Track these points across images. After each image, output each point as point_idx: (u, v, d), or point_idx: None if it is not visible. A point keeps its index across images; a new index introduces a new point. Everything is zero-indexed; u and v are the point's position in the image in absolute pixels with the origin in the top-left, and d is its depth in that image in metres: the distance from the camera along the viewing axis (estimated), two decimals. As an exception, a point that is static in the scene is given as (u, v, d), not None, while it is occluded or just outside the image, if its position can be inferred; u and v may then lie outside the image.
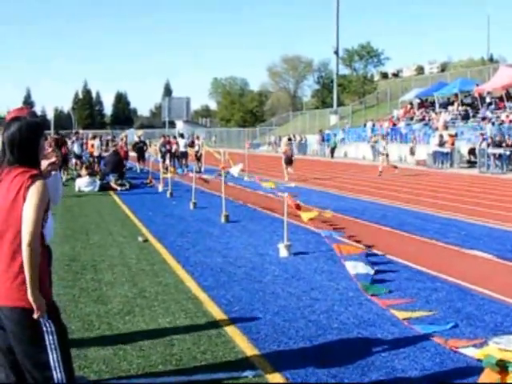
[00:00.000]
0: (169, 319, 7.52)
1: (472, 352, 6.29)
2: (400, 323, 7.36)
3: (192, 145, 37.30)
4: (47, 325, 4.14)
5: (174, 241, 13.04)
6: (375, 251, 11.76)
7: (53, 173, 4.82)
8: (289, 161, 30.19)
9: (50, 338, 4.15)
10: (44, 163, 4.68)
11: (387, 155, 32.28)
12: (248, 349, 6.52)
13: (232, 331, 7.08)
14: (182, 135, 38.29)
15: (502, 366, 5.21)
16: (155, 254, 11.60)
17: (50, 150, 4.77)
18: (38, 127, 4.36)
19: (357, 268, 9.50)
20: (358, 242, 12.62)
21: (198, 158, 35.38)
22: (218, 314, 7.77)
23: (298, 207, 11.95)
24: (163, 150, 34.24)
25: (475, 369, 5.79)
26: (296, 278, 9.72)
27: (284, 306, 8.12)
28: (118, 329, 7.17)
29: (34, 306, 4.05)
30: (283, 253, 11.45)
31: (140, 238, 13.13)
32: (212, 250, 11.99)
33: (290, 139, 38.20)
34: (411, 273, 10.09)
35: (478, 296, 8.65)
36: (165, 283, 9.34)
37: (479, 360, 6.00)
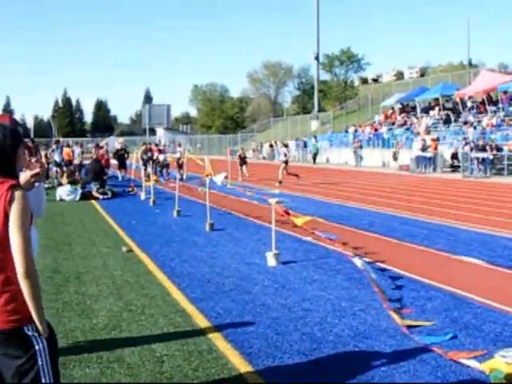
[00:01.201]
0: (157, 333, 7.23)
1: (474, 364, 6.06)
2: (397, 335, 7.12)
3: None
4: (38, 341, 3.85)
5: (159, 250, 12.73)
6: (365, 259, 11.51)
7: (36, 184, 4.49)
8: (242, 162, 35.83)
9: (42, 355, 3.85)
10: (27, 174, 4.36)
11: (287, 162, 32.04)
12: (241, 365, 6.24)
13: (223, 346, 6.79)
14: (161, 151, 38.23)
15: (510, 381, 4.99)
16: (140, 265, 11.28)
17: (33, 159, 4.46)
18: (19, 135, 4.06)
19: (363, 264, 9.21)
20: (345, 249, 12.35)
21: (180, 166, 35.06)
22: (207, 327, 7.48)
23: (288, 213, 11.68)
24: (145, 157, 33.88)
25: (479, 382, 5.55)
26: (286, 289, 9.45)
27: (276, 318, 7.84)
28: (104, 345, 6.84)
29: (41, 330, 3.82)
30: (271, 262, 11.17)
31: (124, 248, 12.80)
32: (198, 260, 11.69)
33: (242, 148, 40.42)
34: (404, 281, 9.86)
35: (474, 304, 8.41)
36: (151, 295, 9.03)
37: (483, 372, 5.78)
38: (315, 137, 58.92)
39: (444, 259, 11.70)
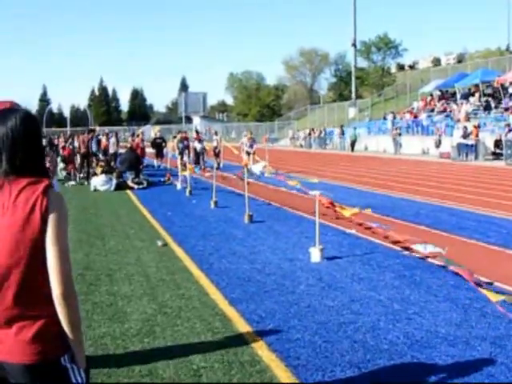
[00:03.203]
0: (194, 341, 6.57)
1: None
2: (458, 343, 6.41)
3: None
4: (76, 373, 3.12)
5: (196, 244, 12.10)
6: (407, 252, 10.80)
7: None
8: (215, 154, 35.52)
9: None
10: None
11: (254, 153, 31.26)
12: (289, 379, 5.57)
13: (267, 356, 6.11)
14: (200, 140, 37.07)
15: None
16: (176, 261, 10.65)
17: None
18: (38, 122, 3.31)
19: (427, 248, 8.48)
20: (396, 242, 11.59)
21: (217, 154, 34.52)
22: (249, 333, 6.81)
23: (333, 205, 10.96)
24: (181, 146, 33.28)
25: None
26: (333, 288, 8.75)
27: (323, 323, 7.14)
28: (136, 355, 6.20)
29: (79, 361, 3.08)
30: (315, 257, 10.47)
31: (159, 242, 12.19)
32: (237, 255, 11.04)
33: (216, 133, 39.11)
34: (458, 279, 9.09)
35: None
36: (187, 296, 8.38)
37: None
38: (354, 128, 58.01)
39: (499, 255, 10.94)
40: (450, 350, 6.24)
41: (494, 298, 6.76)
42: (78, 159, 28.91)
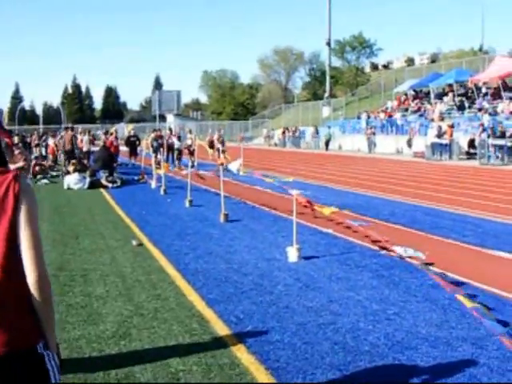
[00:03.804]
0: (172, 344, 6.43)
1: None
2: (440, 344, 6.33)
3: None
4: (51, 358, 3.06)
5: (172, 244, 11.95)
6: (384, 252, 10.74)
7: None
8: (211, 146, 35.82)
9: (56, 375, 3.07)
10: (11, 168, 3.56)
11: (224, 152, 31.46)
12: (269, 382, 5.46)
13: (247, 359, 5.99)
14: (179, 137, 36.85)
15: None
16: (151, 261, 10.48)
17: (16, 151, 3.68)
18: None
19: (407, 252, 8.41)
20: (374, 242, 11.52)
21: (191, 153, 34.33)
22: (227, 335, 6.68)
23: (311, 204, 10.86)
24: (155, 144, 33.02)
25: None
26: (311, 288, 8.65)
27: (302, 324, 7.04)
28: (112, 358, 6.05)
29: (52, 346, 3.05)
30: (292, 257, 10.37)
31: (134, 242, 12.01)
32: (214, 255, 10.90)
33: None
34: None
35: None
36: (164, 297, 8.23)
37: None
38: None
39: (476, 254, 10.92)
40: (431, 351, 6.16)
41: (469, 304, 6.70)
42: (62, 156, 28.69)
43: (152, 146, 32.90)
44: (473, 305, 6.71)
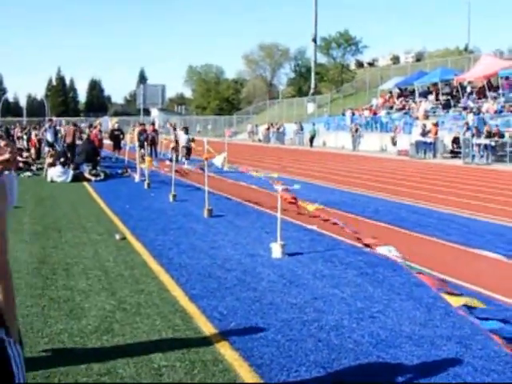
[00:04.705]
0: (154, 339, 6.38)
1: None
2: (424, 343, 6.33)
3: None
4: (12, 345, 3.13)
5: (155, 239, 11.89)
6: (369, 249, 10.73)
7: (6, 172, 3.64)
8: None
9: (17, 361, 3.11)
10: None
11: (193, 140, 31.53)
12: (253, 379, 5.42)
13: (230, 356, 5.94)
14: (186, 129, 35.39)
15: None
16: (134, 255, 10.42)
17: (2, 143, 3.61)
18: None
19: (392, 251, 8.38)
20: (359, 239, 11.51)
21: (176, 148, 34.18)
22: (211, 331, 6.63)
23: (296, 200, 10.83)
24: (142, 138, 32.85)
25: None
26: (295, 285, 8.63)
27: (286, 321, 7.01)
28: (95, 353, 5.99)
29: (13, 333, 3.13)
30: (276, 253, 10.35)
31: (117, 236, 11.94)
32: (197, 250, 10.85)
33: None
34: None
35: (502, 306, 7.62)
36: (147, 291, 8.17)
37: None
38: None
39: (460, 253, 10.95)
40: (415, 350, 6.15)
41: (455, 302, 6.67)
42: (46, 149, 28.53)
43: (139, 139, 32.73)
44: (459, 303, 6.68)
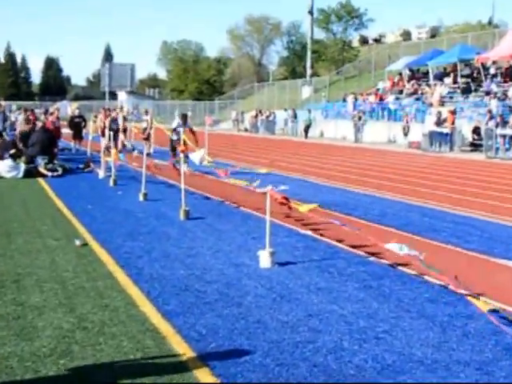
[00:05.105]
0: (121, 364, 6.40)
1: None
2: (438, 368, 6.36)
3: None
4: None
5: (122, 245, 11.92)
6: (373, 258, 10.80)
7: None
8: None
9: None
10: None
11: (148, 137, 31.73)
12: (235, 413, 5.47)
13: (210, 382, 5.98)
14: (184, 117, 27.68)
15: None
16: (98, 265, 10.44)
17: None
18: None
19: (403, 249, 8.41)
20: (356, 247, 11.58)
21: (147, 138, 34.24)
22: (188, 354, 6.64)
23: (287, 201, 10.86)
24: (114, 127, 32.88)
25: None
26: (286, 300, 8.66)
27: (276, 342, 7.03)
28: (50, 380, 6.01)
29: None
30: (265, 263, 10.39)
31: (77, 242, 11.96)
32: (171, 259, 10.90)
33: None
34: (434, 291, 9.09)
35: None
36: (112, 307, 8.19)
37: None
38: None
39: (481, 262, 11.02)
40: (427, 377, 6.19)
41: (484, 307, 6.69)
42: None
43: (111, 129, 32.71)
44: (488, 308, 6.72)
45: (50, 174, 23.90)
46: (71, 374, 6.17)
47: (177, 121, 27.34)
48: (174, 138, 23.04)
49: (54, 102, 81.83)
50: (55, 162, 25.64)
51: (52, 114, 34.42)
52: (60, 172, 24.38)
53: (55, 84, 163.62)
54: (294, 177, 24.15)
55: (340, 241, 12.19)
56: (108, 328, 7.40)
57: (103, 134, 31.55)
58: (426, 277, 9.67)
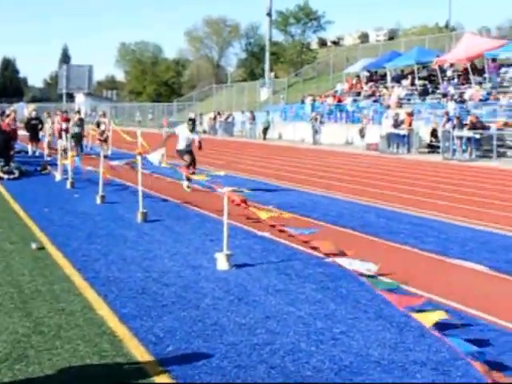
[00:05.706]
0: (77, 368, 6.36)
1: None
2: (394, 368, 6.40)
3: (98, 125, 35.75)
4: None
5: (79, 248, 11.86)
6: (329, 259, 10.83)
7: None
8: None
9: None
10: None
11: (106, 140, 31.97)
12: (193, 414, 5.46)
13: (168, 386, 5.98)
14: (193, 122, 25.96)
15: None
16: (54, 268, 10.38)
17: None
18: None
19: (353, 264, 8.43)
20: (314, 248, 11.60)
21: (105, 140, 34.10)
22: (145, 358, 6.62)
23: (246, 204, 10.86)
24: (77, 130, 32.70)
25: None
26: (244, 302, 8.67)
27: (234, 344, 7.04)
28: (5, 385, 5.99)
29: None
30: (222, 265, 10.40)
31: (34, 245, 11.87)
32: (129, 262, 10.87)
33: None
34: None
35: (484, 325, 7.75)
36: (69, 311, 8.15)
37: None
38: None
39: (439, 264, 11.10)
40: (384, 378, 6.23)
41: (428, 322, 6.73)
42: None
43: (74, 132, 32.54)
44: (432, 322, 6.77)
45: (6, 176, 23.67)
46: (27, 379, 6.12)
47: (184, 126, 23.32)
48: (181, 147, 21.50)
49: (11, 104, 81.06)
50: (11, 164, 25.41)
51: (8, 115, 34.08)
52: (16, 175, 24.15)
53: (12, 85, 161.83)
54: (250, 178, 24.16)
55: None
56: (64, 332, 7.37)
57: (60, 136, 31.33)
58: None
